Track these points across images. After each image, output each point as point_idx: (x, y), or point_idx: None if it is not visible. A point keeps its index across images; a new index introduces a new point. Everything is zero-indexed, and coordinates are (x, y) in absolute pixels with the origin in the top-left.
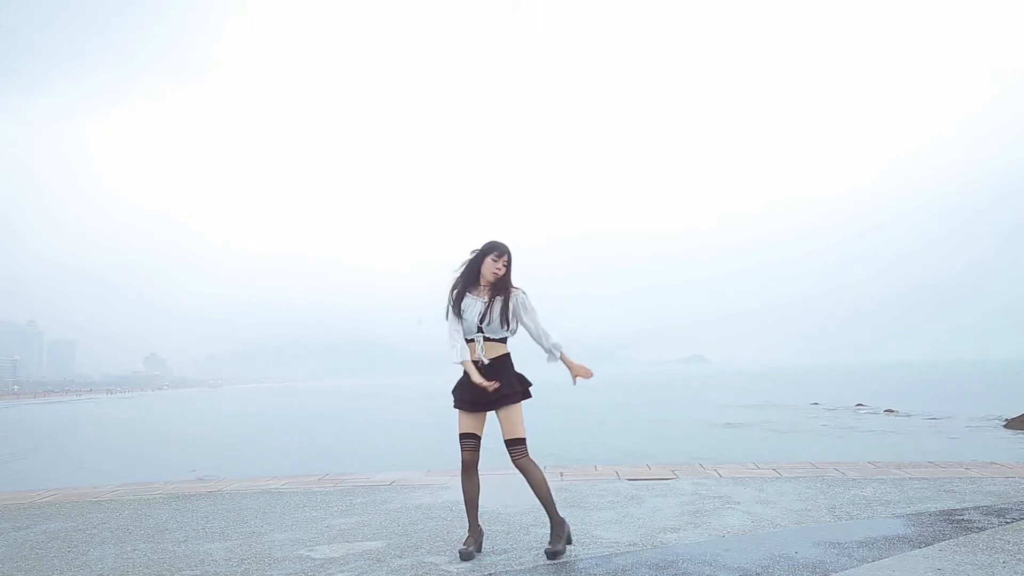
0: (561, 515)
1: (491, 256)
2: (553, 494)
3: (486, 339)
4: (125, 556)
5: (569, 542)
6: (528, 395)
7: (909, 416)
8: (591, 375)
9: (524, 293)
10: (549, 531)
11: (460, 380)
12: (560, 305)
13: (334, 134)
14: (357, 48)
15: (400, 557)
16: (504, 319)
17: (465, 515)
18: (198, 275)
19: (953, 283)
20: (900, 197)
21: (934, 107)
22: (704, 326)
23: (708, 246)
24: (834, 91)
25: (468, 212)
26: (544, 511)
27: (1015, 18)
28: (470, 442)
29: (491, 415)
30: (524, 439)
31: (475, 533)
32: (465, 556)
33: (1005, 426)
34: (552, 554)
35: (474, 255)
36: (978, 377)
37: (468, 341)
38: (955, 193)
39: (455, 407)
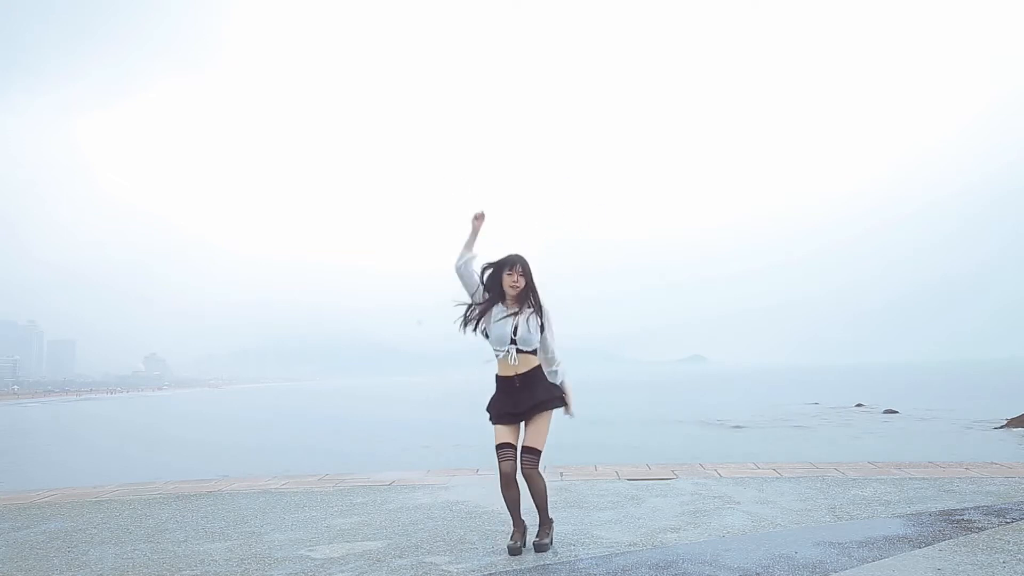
0: (551, 516)
1: (505, 271)
2: (554, 494)
3: (519, 351)
4: (125, 556)
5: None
6: (563, 402)
7: (909, 416)
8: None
9: (548, 315)
10: (538, 527)
11: (494, 396)
12: (560, 305)
13: (333, 134)
14: (356, 48)
15: (400, 557)
16: (539, 328)
17: (508, 514)
18: (198, 275)
19: (953, 284)
20: (900, 198)
21: (934, 108)
22: (704, 326)
23: (708, 246)
24: (835, 91)
25: (468, 212)
26: (536, 511)
27: (1016, 18)
28: (509, 451)
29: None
30: (540, 452)
31: (520, 528)
32: (513, 551)
33: (1005, 426)
34: (540, 546)
35: (491, 270)
36: (978, 377)
37: (502, 354)
38: (956, 194)
39: (493, 423)
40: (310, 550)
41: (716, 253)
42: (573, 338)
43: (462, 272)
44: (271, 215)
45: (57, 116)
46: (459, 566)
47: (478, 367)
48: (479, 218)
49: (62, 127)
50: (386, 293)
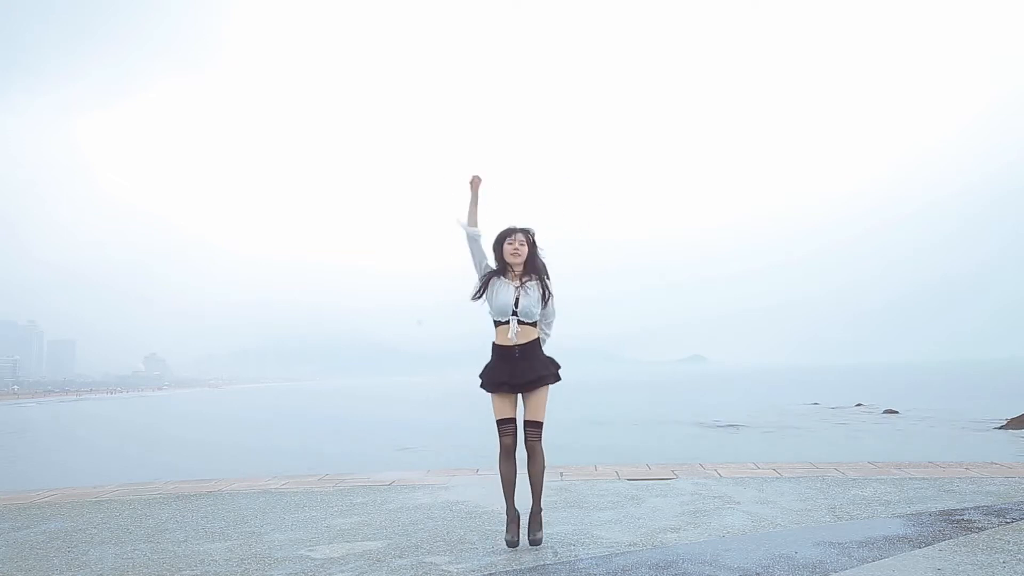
0: (541, 506)
1: (506, 242)
2: (554, 494)
3: (520, 322)
4: (125, 556)
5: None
6: (558, 378)
7: (909, 416)
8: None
9: (551, 286)
10: (529, 521)
11: (490, 364)
12: (560, 306)
13: (333, 134)
14: (356, 48)
15: (400, 557)
16: (542, 301)
17: (503, 500)
18: (198, 275)
19: (953, 284)
20: (900, 198)
21: (934, 108)
22: (704, 326)
23: (708, 246)
24: (835, 92)
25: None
26: (530, 494)
27: (1016, 18)
28: (510, 427)
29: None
30: (542, 424)
31: (514, 518)
32: (512, 544)
33: (1005, 426)
34: (534, 541)
35: (496, 247)
36: (978, 377)
37: (503, 323)
38: (956, 194)
39: (485, 389)
40: (310, 550)
41: (716, 253)
42: (573, 338)
43: (473, 246)
44: (271, 215)
45: (57, 116)
46: (459, 566)
47: (478, 367)
48: (475, 182)
49: (62, 127)
50: (386, 293)
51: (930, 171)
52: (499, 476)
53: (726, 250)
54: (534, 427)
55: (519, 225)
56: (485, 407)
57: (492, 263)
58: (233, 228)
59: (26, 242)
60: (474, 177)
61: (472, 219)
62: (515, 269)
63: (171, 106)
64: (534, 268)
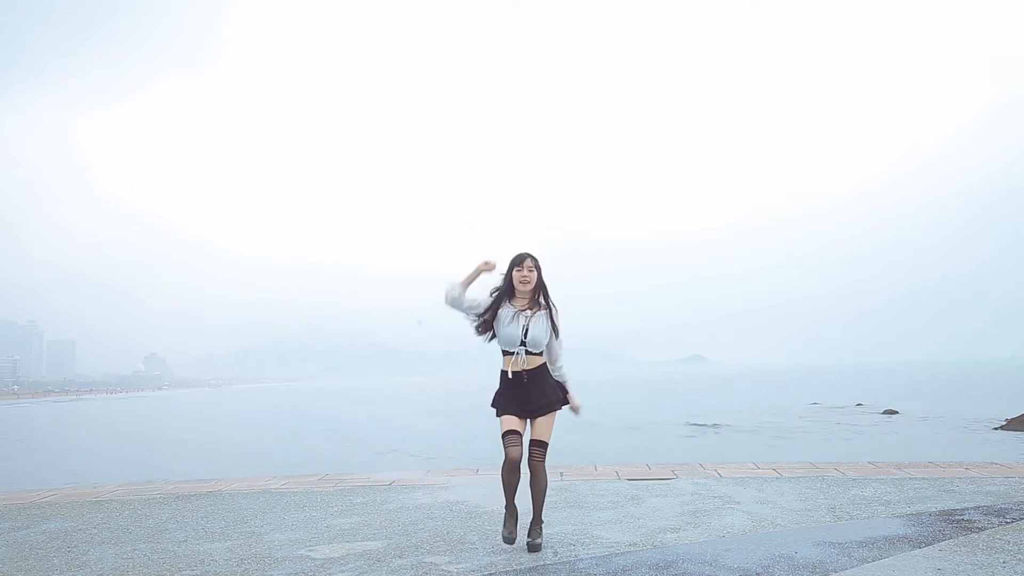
0: (543, 518)
1: (515, 269)
2: (554, 494)
3: (528, 352)
4: (125, 556)
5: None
6: (566, 401)
7: (909, 416)
8: (578, 412)
9: (557, 311)
10: (529, 527)
11: (500, 390)
12: (560, 305)
13: (333, 134)
14: (356, 48)
15: (400, 557)
16: (553, 332)
17: (504, 501)
18: (198, 275)
19: (953, 284)
20: (900, 198)
21: (934, 108)
22: (704, 326)
23: (708, 246)
24: (835, 91)
25: (469, 212)
26: (532, 508)
27: (1016, 18)
28: (516, 438)
29: None
30: (547, 444)
31: (513, 514)
32: (509, 541)
33: (1005, 426)
34: (533, 546)
35: (506, 273)
36: (978, 377)
37: (510, 353)
38: (956, 194)
39: (498, 415)
40: (310, 550)
41: (716, 253)
42: (573, 338)
43: (454, 305)
44: (271, 215)
45: (57, 116)
46: (459, 566)
47: (478, 367)
48: (487, 267)
49: (62, 127)
50: (386, 293)
51: (930, 171)
52: (500, 481)
53: (726, 250)
54: (539, 447)
55: (525, 251)
56: (485, 407)
57: (483, 301)
58: (233, 228)
59: (26, 242)
60: (487, 262)
61: (462, 286)
62: (523, 296)
63: (171, 106)
64: (543, 295)
